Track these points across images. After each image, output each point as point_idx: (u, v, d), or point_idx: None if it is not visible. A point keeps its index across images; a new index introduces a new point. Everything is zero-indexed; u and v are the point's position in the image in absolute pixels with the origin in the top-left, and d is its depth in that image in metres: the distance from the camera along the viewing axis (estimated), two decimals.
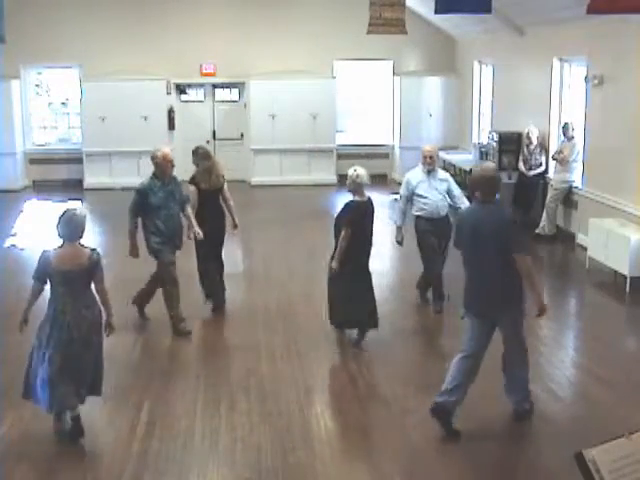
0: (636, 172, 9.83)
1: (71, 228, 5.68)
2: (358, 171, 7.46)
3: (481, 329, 5.76)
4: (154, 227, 7.73)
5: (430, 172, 8.37)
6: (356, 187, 7.46)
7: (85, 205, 15.12)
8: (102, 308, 5.81)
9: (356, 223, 7.38)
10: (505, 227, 5.65)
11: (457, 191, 8.44)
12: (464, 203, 8.21)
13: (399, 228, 8.53)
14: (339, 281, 7.51)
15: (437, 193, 8.33)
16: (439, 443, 5.68)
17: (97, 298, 5.81)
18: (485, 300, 5.72)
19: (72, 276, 5.63)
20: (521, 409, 6.04)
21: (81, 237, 5.75)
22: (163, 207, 7.69)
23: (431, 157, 8.35)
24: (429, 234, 8.37)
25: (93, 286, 5.77)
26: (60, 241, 5.71)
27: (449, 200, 8.44)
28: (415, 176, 8.44)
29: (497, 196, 5.79)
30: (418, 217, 8.43)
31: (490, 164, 6.48)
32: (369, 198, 7.58)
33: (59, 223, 5.69)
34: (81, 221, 5.73)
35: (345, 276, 7.44)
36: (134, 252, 7.97)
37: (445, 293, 8.50)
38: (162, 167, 7.75)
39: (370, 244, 7.66)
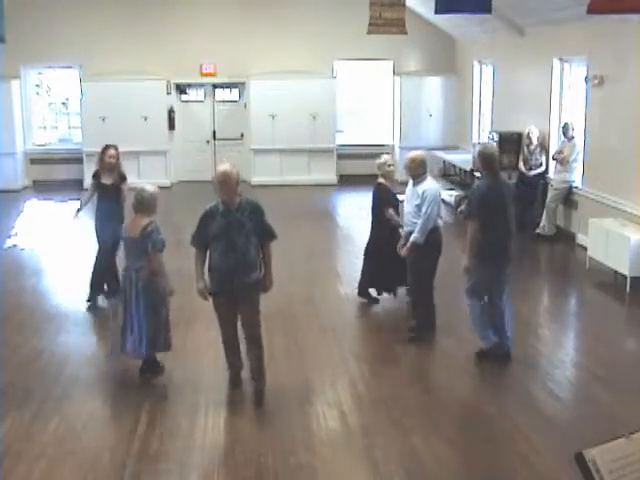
0: (636, 172, 9.83)
1: (135, 201, 6.70)
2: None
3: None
4: (209, 260, 6.29)
5: (414, 180, 7.61)
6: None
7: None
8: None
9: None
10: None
11: (423, 210, 7.40)
12: (417, 227, 7.44)
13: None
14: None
15: (409, 206, 7.62)
16: (438, 443, 5.68)
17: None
18: (507, 250, 7.03)
19: (129, 243, 6.71)
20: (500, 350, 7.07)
21: (146, 211, 6.62)
22: (222, 237, 6.14)
23: (407, 165, 7.65)
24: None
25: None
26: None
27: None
28: (409, 184, 7.82)
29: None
30: None
31: (488, 143, 7.55)
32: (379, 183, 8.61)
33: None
34: (143, 196, 6.63)
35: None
36: (202, 293, 6.32)
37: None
38: (220, 189, 6.16)
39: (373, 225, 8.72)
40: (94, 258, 8.98)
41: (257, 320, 6.38)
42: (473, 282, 7.04)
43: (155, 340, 6.64)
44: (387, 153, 8.66)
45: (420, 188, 7.47)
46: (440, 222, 7.66)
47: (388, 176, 8.62)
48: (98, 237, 8.90)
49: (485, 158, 7.03)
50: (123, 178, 8.87)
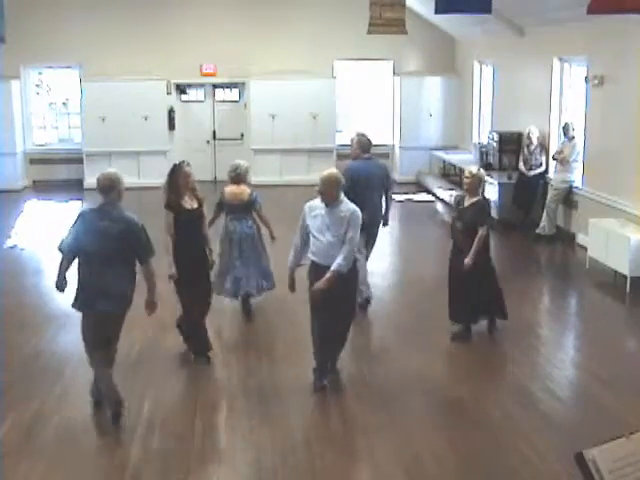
0: (636, 172, 9.83)
1: (234, 174, 8.15)
2: (481, 170, 7.76)
3: None
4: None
5: (329, 204, 6.38)
6: (479, 185, 7.66)
7: (85, 206, 15.15)
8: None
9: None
10: (387, 172, 8.87)
11: (349, 235, 6.34)
12: (343, 253, 6.31)
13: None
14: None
15: (327, 235, 6.38)
16: (439, 444, 5.68)
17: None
18: (375, 217, 8.20)
19: (236, 207, 8.12)
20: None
21: (244, 180, 8.17)
22: None
23: (322, 186, 6.38)
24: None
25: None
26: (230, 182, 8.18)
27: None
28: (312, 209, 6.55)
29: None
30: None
31: (364, 132, 8.86)
32: None
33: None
34: (241, 170, 8.16)
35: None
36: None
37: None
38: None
39: None
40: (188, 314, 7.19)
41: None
42: None
43: (268, 275, 8.40)
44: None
45: (342, 212, 6.36)
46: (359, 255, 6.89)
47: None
48: (190, 282, 7.00)
49: (363, 143, 8.56)
50: (203, 198, 7.29)
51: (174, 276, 6.85)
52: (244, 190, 8.17)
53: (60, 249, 6.07)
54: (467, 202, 7.66)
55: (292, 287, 6.68)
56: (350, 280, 6.46)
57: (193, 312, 7.12)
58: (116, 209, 6.02)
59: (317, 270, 6.40)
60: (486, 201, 7.84)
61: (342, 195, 6.45)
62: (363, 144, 8.62)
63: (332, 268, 6.27)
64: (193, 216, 7.02)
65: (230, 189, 8.17)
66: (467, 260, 7.39)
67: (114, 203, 6.02)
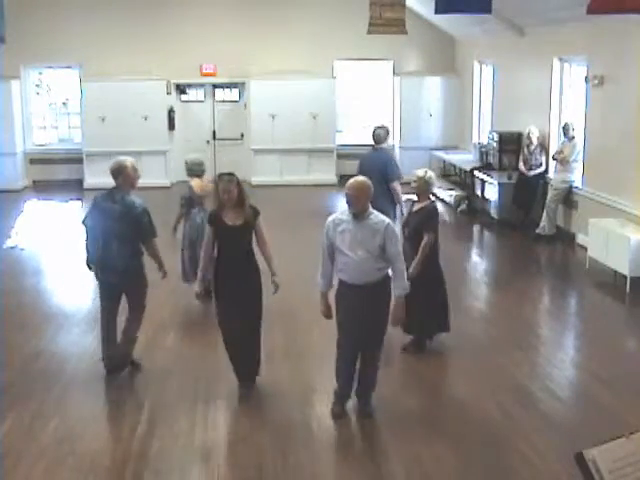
0: (636, 172, 9.83)
1: (198, 168, 8.97)
2: (429, 172, 7.35)
3: None
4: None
5: (359, 214, 5.83)
6: (428, 188, 7.36)
7: (85, 205, 15.15)
8: None
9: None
10: (385, 163, 9.16)
11: (396, 249, 5.84)
12: (400, 272, 5.89)
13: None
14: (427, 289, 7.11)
15: (360, 250, 5.80)
16: (438, 443, 5.68)
17: None
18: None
19: (204, 197, 8.61)
20: None
21: (203, 174, 9.00)
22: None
23: (353, 194, 5.81)
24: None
25: None
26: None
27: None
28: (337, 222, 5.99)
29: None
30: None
31: (381, 125, 9.64)
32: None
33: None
34: (200, 163, 9.10)
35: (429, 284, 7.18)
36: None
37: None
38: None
39: None
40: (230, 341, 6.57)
41: None
42: None
43: None
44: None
45: (375, 223, 5.80)
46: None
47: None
48: (225, 302, 6.45)
49: (375, 135, 9.38)
50: (257, 213, 6.54)
51: (199, 294, 6.84)
52: (208, 182, 8.59)
53: (83, 223, 6.79)
54: (416, 207, 7.34)
55: (329, 313, 6.07)
56: (383, 294, 5.92)
57: (230, 330, 6.47)
58: (121, 193, 6.60)
59: (348, 290, 5.89)
60: (435, 206, 7.42)
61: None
62: (375, 136, 9.47)
63: (399, 293, 5.87)
64: (233, 233, 6.33)
65: (196, 182, 8.84)
66: (411, 270, 6.76)
67: (121, 187, 6.60)
